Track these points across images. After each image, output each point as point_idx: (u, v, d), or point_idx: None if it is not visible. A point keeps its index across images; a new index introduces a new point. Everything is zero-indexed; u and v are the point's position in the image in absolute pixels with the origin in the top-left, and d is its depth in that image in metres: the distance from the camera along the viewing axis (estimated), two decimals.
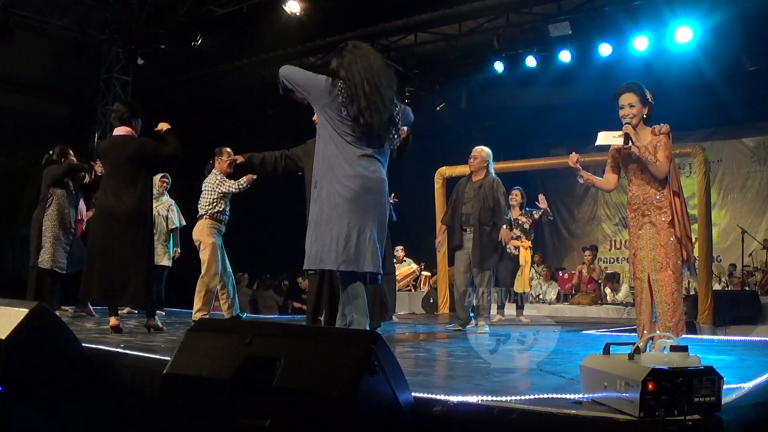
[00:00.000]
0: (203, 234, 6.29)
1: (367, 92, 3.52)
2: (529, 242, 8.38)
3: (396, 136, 3.71)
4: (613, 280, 11.31)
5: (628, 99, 4.06)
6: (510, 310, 8.27)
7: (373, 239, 3.57)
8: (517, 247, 8.15)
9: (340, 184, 3.55)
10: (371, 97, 3.52)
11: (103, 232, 5.02)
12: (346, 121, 3.57)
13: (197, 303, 6.20)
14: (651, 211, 4.02)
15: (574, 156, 4.28)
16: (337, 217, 3.54)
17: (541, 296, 11.30)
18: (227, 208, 6.47)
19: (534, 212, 8.30)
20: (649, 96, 4.09)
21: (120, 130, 5.17)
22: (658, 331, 4.02)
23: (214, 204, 6.32)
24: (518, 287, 8.45)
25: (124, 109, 5.24)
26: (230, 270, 6.58)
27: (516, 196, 8.20)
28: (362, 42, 3.83)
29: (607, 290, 11.26)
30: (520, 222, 8.21)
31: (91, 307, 6.95)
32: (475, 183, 6.42)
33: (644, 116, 4.07)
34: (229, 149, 6.43)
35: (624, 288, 11.31)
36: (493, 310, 7.90)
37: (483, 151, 6.52)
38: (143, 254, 5.03)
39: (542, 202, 8.00)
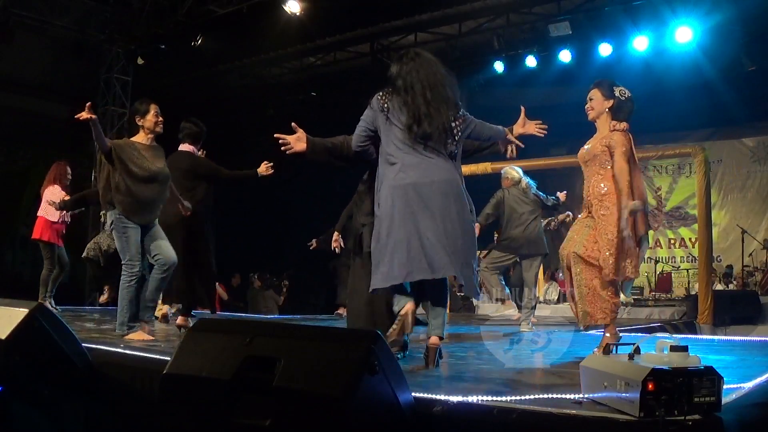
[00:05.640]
0: None
1: (429, 99, 3.53)
2: None
3: (455, 144, 3.63)
4: None
5: (590, 94, 4.18)
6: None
7: (429, 242, 3.45)
8: None
9: (396, 190, 3.52)
10: (433, 103, 3.53)
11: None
12: (397, 126, 3.56)
13: None
14: (593, 204, 4.05)
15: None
16: (397, 226, 3.50)
17: (541, 296, 11.30)
18: None
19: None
20: (617, 91, 4.12)
21: (184, 147, 5.51)
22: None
23: None
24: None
25: (197, 129, 5.57)
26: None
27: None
28: (423, 50, 3.83)
29: None
30: None
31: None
32: None
33: (608, 109, 4.12)
34: None
35: None
36: (513, 310, 7.96)
37: (503, 171, 7.20)
38: (192, 260, 5.22)
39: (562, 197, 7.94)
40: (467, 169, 9.51)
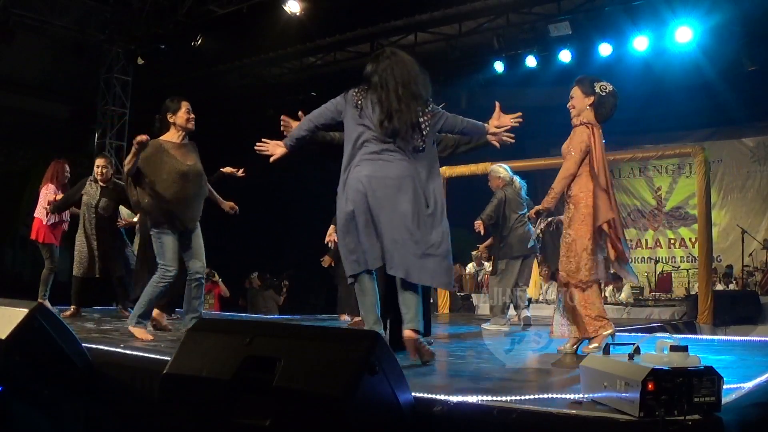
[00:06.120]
0: None
1: (400, 95, 3.61)
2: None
3: (423, 139, 3.68)
4: (618, 279, 11.41)
5: (571, 92, 4.17)
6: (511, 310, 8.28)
7: (381, 235, 3.57)
8: None
9: (353, 184, 3.63)
10: (404, 99, 3.61)
11: (141, 237, 5.52)
12: (365, 125, 3.65)
13: None
14: (564, 205, 4.09)
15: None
16: (352, 219, 3.62)
17: (541, 296, 11.30)
18: None
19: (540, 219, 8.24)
20: (598, 87, 4.08)
21: None
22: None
23: None
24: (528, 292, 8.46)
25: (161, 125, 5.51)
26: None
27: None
28: (399, 50, 3.92)
29: (610, 288, 11.32)
30: None
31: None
32: None
33: (589, 106, 4.09)
34: None
35: (627, 288, 11.33)
36: (511, 311, 7.97)
37: (497, 171, 7.00)
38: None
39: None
40: (467, 168, 9.57)
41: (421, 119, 3.66)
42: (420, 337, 3.58)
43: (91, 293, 6.86)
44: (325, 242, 7.12)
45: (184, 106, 4.78)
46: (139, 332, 4.60)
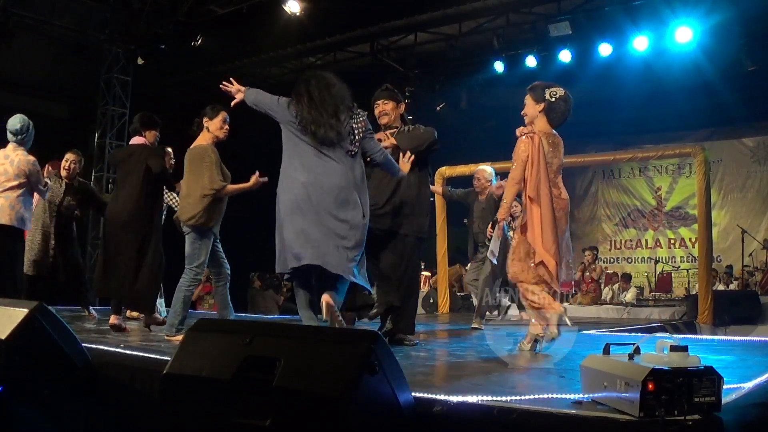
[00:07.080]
0: None
1: (310, 106, 3.83)
2: None
3: (354, 143, 3.87)
4: (626, 280, 11.51)
5: (524, 100, 4.18)
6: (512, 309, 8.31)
7: (305, 236, 3.75)
8: None
9: (291, 187, 3.83)
10: (317, 107, 3.82)
11: (108, 235, 5.28)
12: (300, 133, 3.87)
13: None
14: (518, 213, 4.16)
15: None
16: (284, 220, 3.83)
17: None
18: None
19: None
20: (548, 93, 4.09)
21: (134, 140, 5.46)
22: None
23: None
24: None
25: (137, 122, 5.52)
26: None
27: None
28: (317, 70, 4.09)
29: (615, 287, 11.38)
30: None
31: (93, 311, 6.78)
32: (481, 202, 6.78)
33: (540, 112, 4.11)
34: None
35: (632, 290, 11.35)
36: (514, 310, 7.97)
37: (485, 171, 6.88)
38: (144, 256, 5.10)
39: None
40: (467, 168, 9.57)
41: (355, 124, 3.87)
42: (336, 308, 3.79)
43: (49, 293, 6.34)
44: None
45: (222, 115, 4.93)
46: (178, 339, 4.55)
